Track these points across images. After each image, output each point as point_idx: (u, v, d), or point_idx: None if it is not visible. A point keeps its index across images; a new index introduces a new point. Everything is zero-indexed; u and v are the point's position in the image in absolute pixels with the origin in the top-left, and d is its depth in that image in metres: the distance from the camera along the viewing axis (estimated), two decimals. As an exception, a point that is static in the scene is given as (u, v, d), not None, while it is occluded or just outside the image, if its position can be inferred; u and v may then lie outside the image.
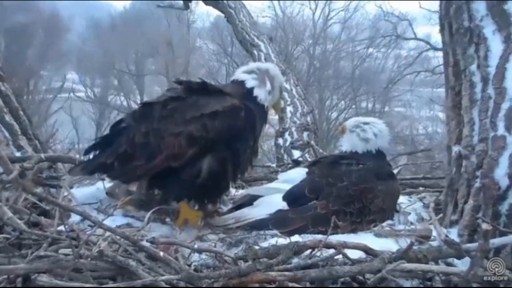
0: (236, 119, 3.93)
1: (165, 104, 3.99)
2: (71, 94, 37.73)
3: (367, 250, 3.27)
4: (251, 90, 4.17)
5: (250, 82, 4.20)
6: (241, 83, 4.21)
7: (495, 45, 3.76)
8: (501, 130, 3.60)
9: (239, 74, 4.31)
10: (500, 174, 3.54)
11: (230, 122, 3.91)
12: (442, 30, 4.16)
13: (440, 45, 4.56)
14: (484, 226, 2.99)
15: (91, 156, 4.27)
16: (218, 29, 38.25)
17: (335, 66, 39.17)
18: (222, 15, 12.10)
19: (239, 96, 4.08)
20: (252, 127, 4.08)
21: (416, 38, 34.41)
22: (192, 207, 4.16)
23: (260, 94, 4.18)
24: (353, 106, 36.97)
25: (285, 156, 8.08)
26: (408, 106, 35.74)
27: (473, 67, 3.82)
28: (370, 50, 38.73)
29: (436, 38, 29.88)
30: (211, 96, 4.02)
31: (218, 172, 3.94)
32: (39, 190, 4.07)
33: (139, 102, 39.41)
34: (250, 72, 4.26)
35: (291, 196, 4.15)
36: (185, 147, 3.85)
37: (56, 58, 39.10)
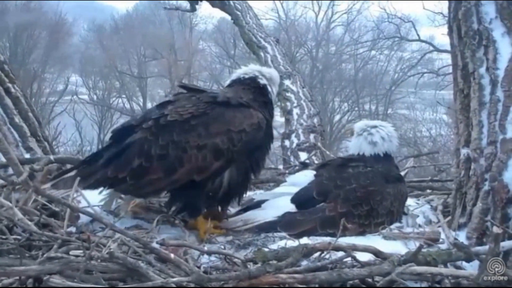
0: (259, 132, 3.96)
1: (186, 118, 3.86)
2: (74, 96, 37.70)
3: (376, 252, 3.28)
4: (264, 86, 4.23)
5: (263, 79, 4.24)
6: (253, 79, 4.23)
7: (504, 47, 3.77)
8: (510, 133, 3.61)
9: (248, 69, 4.33)
10: (509, 177, 3.55)
11: (255, 135, 3.93)
12: (450, 33, 4.15)
13: (443, 47, 4.56)
14: (495, 229, 3.00)
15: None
16: (221, 32, 38.35)
17: (338, 68, 39.20)
18: (225, 17, 12.08)
19: (253, 99, 4.12)
20: (269, 135, 4.16)
21: (419, 40, 34.35)
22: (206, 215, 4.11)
23: (272, 90, 4.27)
24: (356, 109, 36.97)
25: (292, 158, 8.06)
26: (412, 108, 35.65)
27: (482, 69, 3.82)
28: (373, 52, 38.72)
29: (440, 39, 29.99)
30: (235, 109, 3.97)
31: (239, 182, 3.99)
32: (49, 191, 4.05)
33: (141, 104, 39.75)
34: (259, 71, 4.29)
35: (299, 199, 4.16)
36: (211, 160, 3.79)
37: (59, 61, 39.12)
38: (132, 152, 3.84)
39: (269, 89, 4.26)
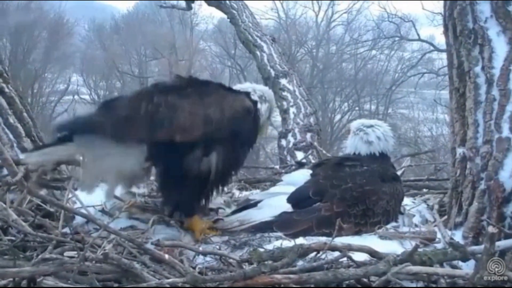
0: (248, 116, 4.06)
1: (183, 85, 4.01)
2: (75, 96, 37.72)
3: (372, 252, 3.27)
4: (255, 102, 4.24)
5: (255, 96, 4.27)
6: (246, 94, 4.24)
7: (500, 46, 3.76)
8: (505, 132, 3.60)
9: (243, 86, 4.42)
10: (504, 176, 3.55)
11: (244, 117, 4.02)
12: (446, 32, 4.15)
13: (443, 47, 4.56)
14: (490, 229, 2.98)
15: None
16: (222, 32, 38.29)
17: (338, 68, 39.15)
18: (225, 17, 12.09)
19: None
20: (256, 130, 4.24)
21: (419, 40, 34.36)
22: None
23: (262, 108, 4.28)
24: (357, 108, 36.94)
25: (288, 158, 8.07)
26: (412, 108, 35.67)
27: (478, 68, 3.81)
28: (374, 52, 38.68)
29: (440, 39, 29.91)
30: (229, 91, 4.15)
31: (227, 166, 4.04)
32: (43, 192, 4.05)
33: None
34: (252, 89, 4.34)
35: (295, 198, 4.15)
36: (198, 125, 3.83)
37: (59, 61, 39.13)
38: (122, 103, 3.93)
39: (259, 105, 4.27)
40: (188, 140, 3.81)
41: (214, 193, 4.22)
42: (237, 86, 4.44)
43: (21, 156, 4.43)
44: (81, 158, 4.21)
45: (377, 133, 4.55)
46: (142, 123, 3.78)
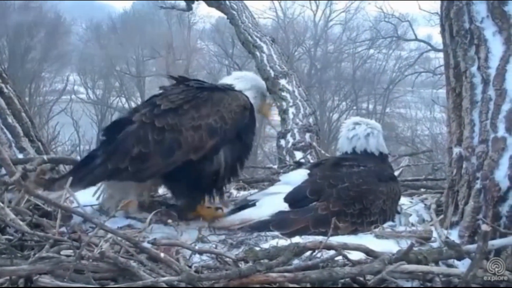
0: (246, 112, 4.19)
1: (179, 104, 4.05)
2: (73, 96, 37.67)
3: (367, 251, 3.28)
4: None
5: (238, 85, 4.38)
6: (229, 86, 4.37)
7: (496, 46, 3.77)
8: (501, 132, 3.61)
9: (225, 80, 4.56)
10: (500, 175, 3.55)
11: (243, 114, 4.16)
12: (443, 32, 4.16)
13: (440, 46, 4.58)
14: (484, 227, 3.00)
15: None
16: (219, 31, 38.27)
17: (336, 67, 39.20)
18: (223, 16, 12.10)
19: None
20: (254, 123, 4.37)
21: (416, 39, 34.42)
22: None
23: (249, 96, 4.36)
24: (354, 108, 36.96)
25: (287, 158, 8.09)
26: (409, 107, 35.71)
27: (474, 68, 3.82)
28: (371, 51, 38.73)
29: (437, 39, 29.98)
30: (223, 92, 4.23)
31: (233, 162, 4.19)
32: (41, 191, 4.05)
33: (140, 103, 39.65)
34: (235, 78, 4.49)
35: (292, 198, 4.17)
36: (206, 139, 3.98)
37: (57, 60, 39.10)
38: (130, 142, 3.96)
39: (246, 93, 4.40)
40: (201, 155, 3.99)
41: (226, 184, 4.39)
42: (226, 78, 4.65)
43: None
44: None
45: (367, 131, 4.62)
46: (155, 157, 3.94)
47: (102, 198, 4.25)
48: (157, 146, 3.93)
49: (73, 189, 3.81)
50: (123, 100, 40.50)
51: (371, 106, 37.84)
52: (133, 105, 39.00)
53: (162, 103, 4.04)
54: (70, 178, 3.78)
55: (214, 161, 4.07)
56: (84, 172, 4.02)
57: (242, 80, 4.46)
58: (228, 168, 4.14)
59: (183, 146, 3.95)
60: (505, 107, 3.64)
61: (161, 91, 4.33)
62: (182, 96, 4.09)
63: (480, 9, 3.86)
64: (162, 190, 4.66)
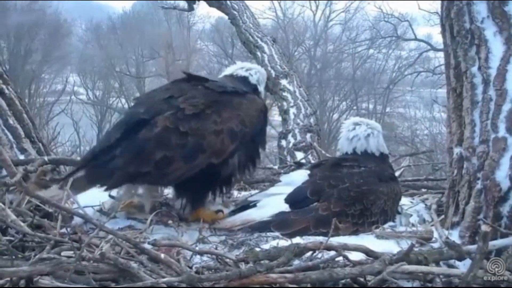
0: (261, 115, 4.31)
1: (201, 109, 4.06)
2: (73, 96, 37.68)
3: (367, 252, 3.28)
4: (255, 86, 4.54)
5: (253, 78, 4.55)
6: (244, 79, 4.52)
7: (496, 47, 3.77)
8: (502, 132, 3.61)
9: (238, 71, 4.63)
10: (501, 175, 3.56)
11: (259, 118, 4.27)
12: (443, 32, 4.16)
13: (440, 46, 4.58)
14: (484, 227, 3.01)
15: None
16: (219, 31, 38.34)
17: (336, 67, 39.24)
18: (223, 17, 12.11)
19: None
20: (267, 124, 4.50)
21: (416, 39, 34.44)
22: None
23: (262, 90, 4.56)
24: (354, 108, 36.97)
25: (288, 158, 8.09)
26: (408, 107, 35.73)
27: (474, 68, 3.82)
28: (371, 51, 38.76)
29: (437, 38, 30.03)
30: (241, 96, 4.29)
31: (248, 165, 4.32)
32: (42, 192, 4.05)
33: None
34: (247, 69, 4.61)
35: (293, 198, 4.16)
36: (227, 143, 4.05)
37: (57, 61, 39.11)
38: (154, 146, 3.93)
39: (259, 88, 4.64)
40: (222, 158, 4.06)
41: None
42: (231, 68, 4.72)
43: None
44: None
45: (368, 131, 4.62)
46: (179, 161, 3.95)
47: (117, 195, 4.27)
48: (181, 150, 3.94)
49: (88, 188, 3.92)
50: (123, 100, 40.52)
51: (371, 106, 37.85)
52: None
53: (186, 107, 4.02)
54: (71, 180, 3.79)
55: (229, 163, 4.13)
56: (102, 173, 3.97)
57: (256, 73, 4.61)
58: (241, 169, 4.25)
59: (206, 150, 3.98)
60: (505, 107, 3.65)
61: (174, 87, 4.32)
62: (203, 100, 4.09)
63: (481, 9, 3.86)
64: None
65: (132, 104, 4.74)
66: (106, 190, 4.01)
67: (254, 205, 4.26)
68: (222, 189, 4.33)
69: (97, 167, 4.00)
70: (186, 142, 3.94)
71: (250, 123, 4.17)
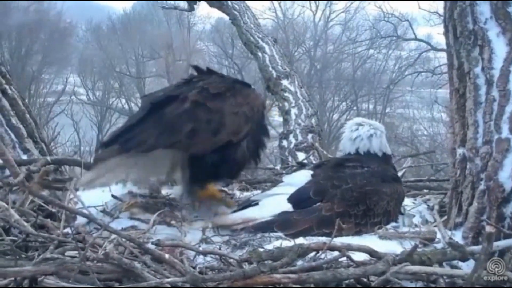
0: (262, 109, 4.59)
1: (223, 90, 4.34)
2: (73, 97, 37.68)
3: (371, 252, 3.28)
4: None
5: None
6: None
7: (500, 47, 3.77)
8: (505, 133, 3.61)
9: None
10: (504, 176, 3.56)
11: (261, 111, 4.55)
12: (446, 33, 4.15)
13: (440, 46, 4.60)
14: (488, 228, 3.01)
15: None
16: (219, 31, 38.37)
17: (336, 67, 39.25)
18: (223, 17, 12.11)
19: None
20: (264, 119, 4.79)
21: (416, 39, 34.41)
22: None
23: None
24: (355, 108, 36.98)
25: (290, 158, 8.09)
26: (408, 108, 35.74)
27: (477, 69, 3.82)
28: (371, 51, 38.75)
29: (437, 38, 30.02)
30: (249, 88, 4.63)
31: (256, 151, 4.57)
32: (45, 192, 4.06)
33: (139, 104, 39.69)
34: None
35: (296, 198, 4.15)
36: (242, 124, 4.33)
37: (57, 62, 39.10)
38: (184, 118, 4.16)
39: None
40: (239, 138, 4.34)
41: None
42: None
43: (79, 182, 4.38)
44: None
45: (371, 132, 4.62)
46: (205, 134, 4.20)
47: (130, 176, 4.31)
48: (207, 124, 4.19)
49: (122, 156, 4.00)
50: (123, 101, 40.54)
51: (371, 106, 37.85)
52: (133, 106, 39.10)
53: (210, 87, 4.31)
54: (74, 179, 3.80)
55: (242, 146, 4.39)
56: (135, 141, 4.06)
57: None
58: (250, 155, 4.51)
59: (227, 127, 4.24)
60: (508, 108, 3.65)
61: (191, 77, 4.59)
62: (223, 85, 4.40)
63: (484, 10, 3.86)
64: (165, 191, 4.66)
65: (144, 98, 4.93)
66: (140, 152, 4.07)
67: (256, 204, 4.26)
68: (235, 172, 4.59)
69: (127, 138, 4.09)
70: (212, 117, 4.21)
71: (257, 112, 4.45)
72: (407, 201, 4.76)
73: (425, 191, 5.38)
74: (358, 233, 4.00)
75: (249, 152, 4.47)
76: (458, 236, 3.70)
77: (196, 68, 4.75)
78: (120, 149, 4.01)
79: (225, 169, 4.42)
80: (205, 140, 4.20)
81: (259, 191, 4.93)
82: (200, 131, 4.18)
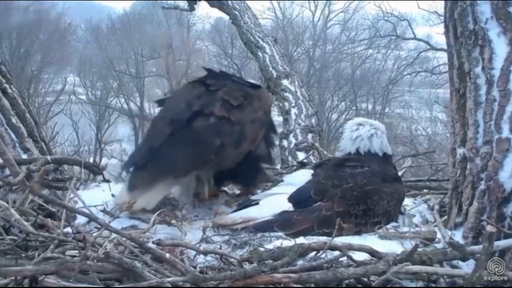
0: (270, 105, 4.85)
1: (241, 101, 4.39)
2: (72, 96, 37.67)
3: (372, 252, 3.28)
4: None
5: None
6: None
7: (500, 47, 3.76)
8: (505, 133, 3.61)
9: None
10: (504, 176, 3.55)
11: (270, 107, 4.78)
12: (446, 33, 4.15)
13: (439, 46, 4.60)
14: (489, 228, 3.01)
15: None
16: (218, 31, 38.42)
17: (335, 67, 39.31)
18: (222, 17, 12.12)
19: None
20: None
21: (415, 38, 34.43)
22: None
23: None
24: (353, 108, 37.01)
25: (290, 158, 8.10)
26: (407, 107, 35.77)
27: (478, 69, 3.81)
28: (370, 51, 38.80)
29: (436, 38, 30.04)
30: (262, 90, 4.78)
31: (267, 150, 4.74)
32: (45, 192, 4.06)
33: (139, 104, 39.79)
34: None
35: (296, 198, 4.15)
36: (258, 130, 4.48)
37: (56, 61, 39.09)
38: (212, 134, 4.22)
39: None
40: (256, 145, 4.51)
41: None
42: None
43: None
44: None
45: (371, 132, 4.62)
46: (231, 148, 4.30)
47: (176, 193, 4.49)
48: (231, 138, 4.27)
49: (155, 183, 4.09)
50: (122, 100, 40.54)
51: (370, 106, 37.88)
52: (132, 105, 39.12)
53: (230, 99, 4.34)
54: (74, 178, 3.80)
55: (258, 149, 4.55)
56: (168, 166, 4.15)
57: None
58: (261, 152, 4.63)
59: (247, 137, 4.36)
60: (509, 108, 3.64)
61: (209, 81, 4.55)
62: (240, 93, 4.43)
63: (485, 9, 3.85)
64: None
65: (158, 106, 4.97)
66: (175, 178, 4.23)
67: (256, 204, 4.26)
68: (254, 175, 4.68)
69: (158, 163, 4.15)
70: (234, 130, 4.28)
71: (268, 113, 4.63)
72: (407, 201, 4.77)
73: (425, 191, 5.38)
74: (358, 233, 4.00)
75: (263, 155, 4.61)
76: (458, 236, 3.69)
77: (209, 71, 4.78)
78: (155, 175, 4.09)
79: (245, 176, 4.58)
80: (230, 154, 4.30)
81: (259, 191, 4.93)
82: (226, 146, 4.25)
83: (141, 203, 4.11)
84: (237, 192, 4.97)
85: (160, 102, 4.91)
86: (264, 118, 4.51)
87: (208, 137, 4.21)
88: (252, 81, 5.24)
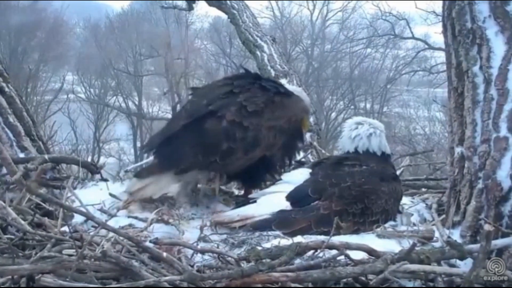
0: (305, 113, 4.84)
1: (261, 107, 4.43)
2: (70, 95, 37.65)
3: (369, 251, 3.28)
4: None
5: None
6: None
7: (498, 46, 3.77)
8: (503, 132, 3.61)
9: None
10: (502, 175, 3.56)
11: (301, 117, 4.73)
12: (445, 31, 4.15)
13: (437, 45, 4.60)
14: (486, 227, 3.01)
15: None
16: (217, 30, 38.39)
17: (334, 66, 39.31)
18: (221, 16, 12.12)
19: None
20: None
21: (414, 38, 34.42)
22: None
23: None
24: (352, 107, 37.01)
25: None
26: (406, 107, 35.78)
27: (476, 68, 3.82)
28: (369, 50, 38.77)
29: (434, 38, 30.04)
30: (290, 97, 4.69)
31: (286, 153, 4.74)
32: (42, 191, 4.05)
33: (137, 102, 39.80)
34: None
35: (294, 196, 4.14)
36: (278, 138, 4.49)
37: (54, 60, 39.05)
38: (221, 137, 4.32)
39: None
40: (273, 151, 4.55)
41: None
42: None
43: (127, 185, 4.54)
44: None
45: (370, 131, 4.61)
46: (240, 152, 4.37)
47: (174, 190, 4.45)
48: (242, 143, 4.34)
49: (161, 174, 4.29)
50: (120, 99, 40.51)
51: (368, 105, 37.89)
52: (130, 104, 39.09)
53: (248, 105, 4.38)
54: (71, 178, 3.79)
55: (276, 156, 4.59)
56: (172, 159, 4.33)
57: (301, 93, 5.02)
58: (279, 159, 4.68)
59: (261, 143, 4.40)
60: (507, 107, 3.65)
61: (234, 83, 4.62)
62: (262, 99, 4.44)
63: (482, 8, 3.85)
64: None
65: (191, 93, 5.09)
66: (177, 173, 4.32)
67: (254, 202, 4.25)
68: (265, 178, 4.72)
69: (167, 154, 4.38)
70: (246, 136, 4.34)
71: (295, 122, 4.60)
72: (405, 200, 4.76)
73: (423, 190, 5.38)
74: (356, 231, 3.99)
75: (276, 163, 4.64)
76: (456, 235, 3.70)
77: (246, 71, 5.02)
78: (162, 166, 4.32)
79: (253, 179, 4.65)
80: (239, 158, 4.37)
81: (257, 189, 4.92)
82: (235, 150, 4.33)
83: (149, 191, 4.26)
84: (240, 192, 4.99)
85: (193, 90, 5.10)
86: (286, 126, 4.52)
87: (215, 139, 4.30)
88: (293, 87, 5.36)
